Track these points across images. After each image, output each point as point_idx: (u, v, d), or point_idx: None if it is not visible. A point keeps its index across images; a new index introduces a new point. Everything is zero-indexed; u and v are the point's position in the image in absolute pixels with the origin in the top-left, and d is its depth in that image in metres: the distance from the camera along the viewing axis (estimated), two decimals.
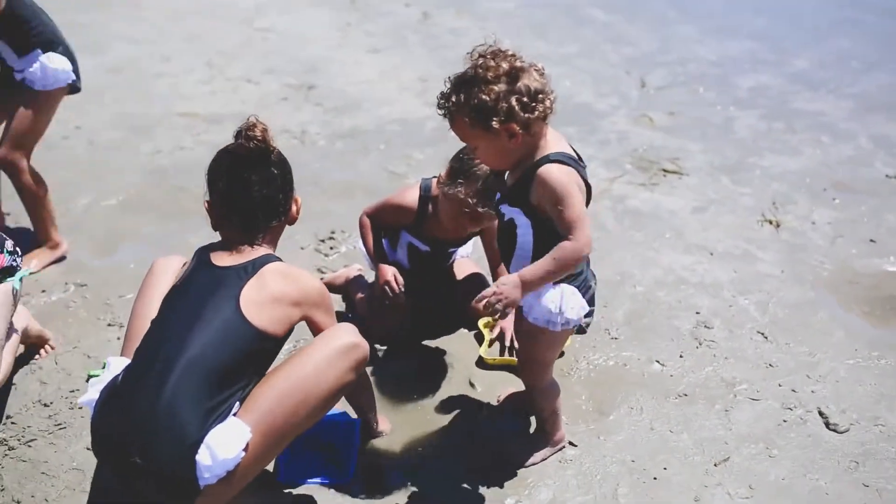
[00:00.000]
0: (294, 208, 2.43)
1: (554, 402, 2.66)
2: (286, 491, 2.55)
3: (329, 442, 2.65)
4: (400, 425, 2.82)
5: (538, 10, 7.48)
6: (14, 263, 2.69)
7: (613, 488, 2.61)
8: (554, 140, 2.32)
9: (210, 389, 2.11)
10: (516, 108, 2.18)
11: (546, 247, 2.25)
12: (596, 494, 2.58)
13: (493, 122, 2.19)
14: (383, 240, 3.26)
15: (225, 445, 2.06)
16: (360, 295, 3.34)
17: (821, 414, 2.93)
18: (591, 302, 2.46)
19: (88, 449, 2.61)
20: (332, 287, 3.46)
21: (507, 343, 3.19)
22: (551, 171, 2.23)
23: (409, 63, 6.13)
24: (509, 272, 2.41)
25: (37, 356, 3.03)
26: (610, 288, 3.56)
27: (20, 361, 2.95)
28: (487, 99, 2.17)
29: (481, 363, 3.13)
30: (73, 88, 3.60)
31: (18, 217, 3.80)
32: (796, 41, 6.87)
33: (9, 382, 2.83)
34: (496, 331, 3.24)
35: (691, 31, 7.07)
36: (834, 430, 2.87)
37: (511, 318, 3.00)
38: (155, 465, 2.06)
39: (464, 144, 2.60)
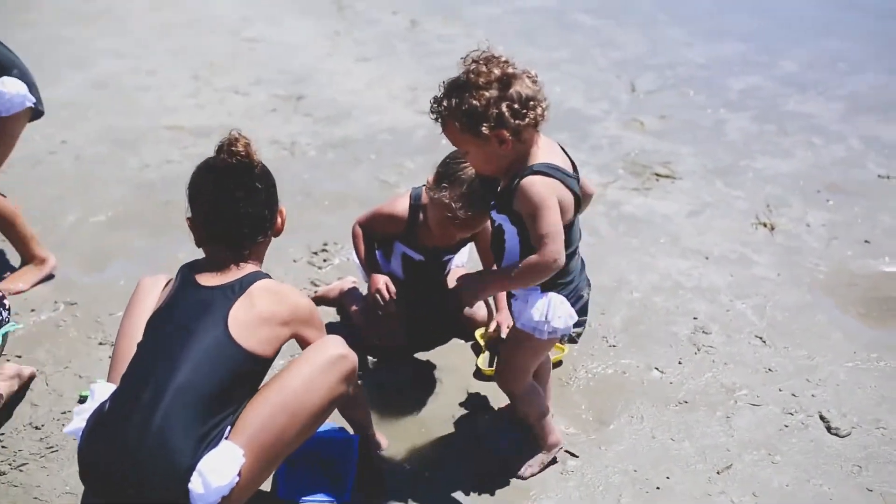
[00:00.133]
0: (279, 220, 2.38)
1: (538, 406, 2.62)
2: None
3: (328, 458, 2.61)
4: (398, 439, 2.78)
5: (526, 16, 7.46)
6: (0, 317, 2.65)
7: (616, 499, 2.57)
8: (545, 149, 2.30)
9: (201, 415, 2.06)
10: (507, 114, 2.17)
11: (531, 253, 2.25)
12: None
13: (483, 128, 2.18)
14: (377, 252, 3.22)
15: (218, 472, 2.02)
16: (354, 307, 3.30)
17: (822, 418, 2.91)
18: (583, 311, 2.43)
19: None
20: (326, 300, 3.43)
21: (504, 336, 3.13)
22: (530, 184, 2.22)
23: (398, 71, 6.10)
24: None
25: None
26: (606, 294, 3.53)
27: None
28: (478, 104, 2.17)
29: (479, 374, 3.09)
30: (36, 113, 3.49)
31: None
32: (784, 43, 6.86)
33: None
34: (501, 326, 3.19)
35: (680, 33, 7.06)
36: (836, 435, 2.84)
37: (507, 313, 2.98)
38: (147, 495, 2.01)
39: (453, 149, 2.60)
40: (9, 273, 3.55)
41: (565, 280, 2.36)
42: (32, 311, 3.38)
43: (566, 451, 2.74)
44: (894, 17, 7.52)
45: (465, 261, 3.35)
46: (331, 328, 3.26)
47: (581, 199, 2.36)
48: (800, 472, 2.69)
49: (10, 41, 3.51)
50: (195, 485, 2.01)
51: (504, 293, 2.98)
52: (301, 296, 2.32)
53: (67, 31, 6.71)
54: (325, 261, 3.75)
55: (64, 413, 2.84)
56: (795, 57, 6.54)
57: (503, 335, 3.12)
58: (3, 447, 2.70)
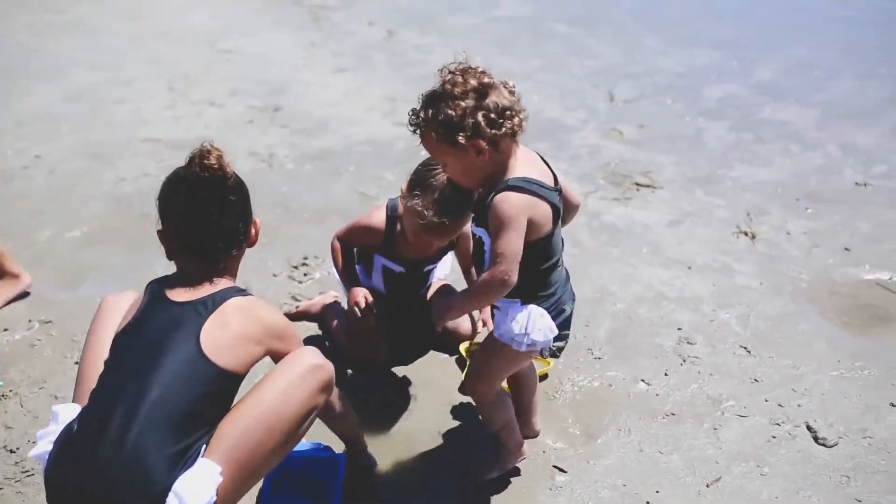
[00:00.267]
0: (254, 232, 2.32)
1: (504, 413, 2.59)
2: None
3: (313, 478, 2.56)
4: (385, 456, 2.73)
5: (501, 26, 7.47)
6: None
7: None
8: (523, 160, 2.28)
9: (175, 434, 1.99)
10: (482, 123, 2.16)
11: None
12: None
13: (460, 138, 2.16)
14: (358, 267, 3.19)
15: (194, 492, 1.95)
16: (336, 322, 3.26)
17: (809, 428, 2.91)
18: (565, 325, 2.41)
19: None
20: (307, 315, 3.38)
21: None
22: (501, 200, 2.20)
23: (376, 82, 6.07)
24: None
25: None
26: (590, 306, 3.51)
27: None
28: (454, 114, 2.16)
29: (464, 389, 3.05)
30: None
31: None
32: (758, 51, 6.92)
33: None
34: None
35: (655, 42, 7.09)
36: (823, 445, 2.84)
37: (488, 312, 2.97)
38: None
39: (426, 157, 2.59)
40: None
41: (546, 292, 2.34)
42: (6, 329, 3.30)
43: (554, 467, 2.72)
44: (865, 25, 7.62)
45: (448, 272, 3.32)
46: (312, 343, 3.22)
47: (560, 211, 2.34)
48: (789, 483, 2.68)
49: None
50: None
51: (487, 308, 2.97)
52: (275, 312, 2.25)
53: (38, 42, 6.62)
54: (305, 275, 3.70)
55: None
56: (769, 65, 6.60)
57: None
58: None
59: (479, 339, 3.22)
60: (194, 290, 2.14)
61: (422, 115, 2.23)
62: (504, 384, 3.04)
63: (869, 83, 6.24)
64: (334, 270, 3.19)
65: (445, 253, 3.18)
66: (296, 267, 3.75)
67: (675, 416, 2.95)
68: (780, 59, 6.71)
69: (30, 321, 3.35)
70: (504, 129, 2.18)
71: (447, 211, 2.69)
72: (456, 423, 2.92)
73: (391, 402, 3.01)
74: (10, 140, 4.92)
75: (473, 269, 2.68)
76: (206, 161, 2.13)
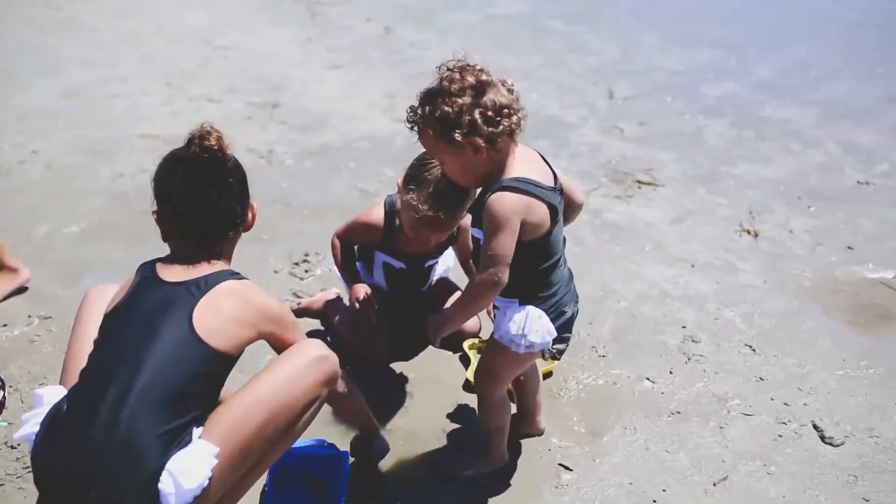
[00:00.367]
0: (250, 216, 2.27)
1: (501, 418, 2.58)
2: None
3: (317, 475, 2.53)
4: (389, 455, 2.71)
5: (499, 23, 7.44)
6: None
7: None
8: (521, 160, 2.26)
9: (167, 414, 1.95)
10: (479, 121, 2.13)
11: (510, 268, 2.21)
12: None
13: (456, 135, 2.14)
14: (358, 264, 3.17)
15: (189, 473, 1.91)
16: (337, 318, 3.24)
17: (815, 427, 2.89)
18: (565, 327, 2.38)
19: None
20: (309, 312, 3.36)
21: None
22: (495, 201, 2.17)
23: (373, 79, 6.04)
24: None
25: None
26: (594, 304, 3.49)
27: None
28: (451, 111, 2.13)
29: (469, 386, 3.03)
30: None
31: None
32: (756, 49, 6.91)
33: None
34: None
35: (653, 39, 7.08)
36: (830, 444, 2.83)
37: None
38: (113, 497, 1.89)
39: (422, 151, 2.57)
40: None
41: (546, 293, 2.32)
42: (5, 325, 3.26)
43: (560, 465, 2.70)
44: (864, 25, 7.62)
45: (451, 266, 3.29)
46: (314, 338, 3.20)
47: (560, 210, 2.31)
48: (796, 482, 2.67)
49: None
50: (165, 485, 1.90)
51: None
52: (268, 296, 2.19)
53: (35, 39, 6.55)
54: (306, 271, 3.67)
55: None
56: (769, 64, 6.59)
57: None
58: None
59: (485, 335, 3.20)
60: (188, 271, 2.10)
61: (419, 111, 2.21)
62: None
63: (868, 83, 6.24)
64: (335, 267, 3.16)
65: (446, 247, 3.16)
66: (297, 263, 3.72)
67: (680, 415, 2.94)
68: (779, 58, 6.70)
69: (29, 317, 3.31)
70: (501, 127, 2.15)
71: (442, 205, 2.68)
72: (459, 421, 2.89)
73: (393, 398, 2.98)
74: (7, 135, 4.87)
75: (472, 263, 2.67)
76: (206, 142, 2.10)
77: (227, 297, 2.07)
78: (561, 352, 2.43)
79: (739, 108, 5.71)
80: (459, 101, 2.13)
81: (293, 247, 3.83)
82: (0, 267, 3.41)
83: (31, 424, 2.05)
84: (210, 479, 1.95)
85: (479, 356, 3.11)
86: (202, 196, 2.13)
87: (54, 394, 2.08)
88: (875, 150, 5.09)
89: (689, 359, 3.21)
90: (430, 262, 3.16)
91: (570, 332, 2.44)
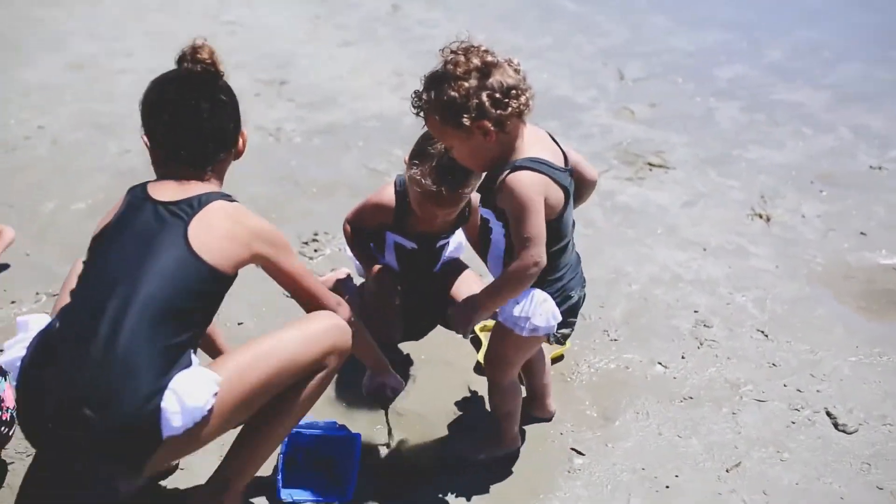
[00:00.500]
0: (241, 141, 2.23)
1: (511, 402, 2.56)
2: None
3: (329, 458, 2.52)
4: (400, 437, 2.70)
5: (508, 2, 7.37)
6: None
7: (626, 499, 2.51)
8: (532, 141, 2.22)
9: (168, 330, 1.92)
10: (487, 104, 2.08)
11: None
12: None
13: (464, 119, 2.09)
14: (370, 245, 3.14)
15: (192, 393, 1.88)
16: (348, 298, 3.21)
17: (828, 414, 2.87)
18: (571, 312, 2.36)
19: None
20: None
21: None
22: (516, 181, 2.13)
23: (382, 57, 5.99)
24: (487, 267, 2.39)
25: None
26: (605, 286, 3.47)
27: None
28: (457, 95, 2.08)
29: (479, 369, 3.01)
30: None
31: None
32: (767, 31, 6.84)
33: None
34: None
35: (663, 21, 7.01)
36: (843, 431, 2.81)
37: None
38: (111, 417, 1.84)
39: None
40: None
41: (553, 277, 2.29)
42: (13, 302, 3.24)
43: (572, 449, 2.68)
44: (876, 7, 7.53)
45: (462, 244, 3.25)
46: None
47: (571, 192, 2.28)
48: (809, 469, 2.65)
49: None
50: (168, 402, 1.86)
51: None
52: (261, 218, 2.15)
53: (39, 11, 6.50)
54: (316, 251, 3.65)
55: None
56: (779, 45, 6.53)
57: None
58: None
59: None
60: (180, 191, 2.06)
61: (424, 96, 2.16)
62: None
63: (881, 66, 6.17)
64: (347, 248, 3.15)
65: (458, 227, 3.13)
66: (306, 243, 3.69)
67: (693, 400, 2.92)
68: (790, 40, 6.64)
69: (37, 294, 3.29)
70: (510, 109, 2.10)
71: (444, 179, 2.66)
72: (470, 403, 2.88)
73: (408, 383, 2.95)
74: (13, 110, 4.83)
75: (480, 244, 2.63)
76: (198, 55, 2.07)
77: (220, 216, 2.03)
78: (566, 336, 2.40)
79: (750, 91, 5.66)
80: (466, 84, 2.07)
81: (302, 226, 3.80)
82: None
83: (16, 349, 2.01)
84: (210, 411, 1.92)
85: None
86: (194, 112, 2.08)
87: (40, 321, 2.04)
88: (888, 135, 5.04)
89: (701, 344, 3.19)
90: (442, 243, 3.13)
91: (576, 317, 2.41)
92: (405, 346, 3.12)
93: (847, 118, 5.26)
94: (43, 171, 4.23)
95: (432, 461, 2.63)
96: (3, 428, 2.35)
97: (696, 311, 3.37)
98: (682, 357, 3.12)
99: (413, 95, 2.20)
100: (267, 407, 2.15)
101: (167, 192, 2.05)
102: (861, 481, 2.62)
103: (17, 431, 2.33)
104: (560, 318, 2.30)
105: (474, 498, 2.49)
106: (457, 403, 2.87)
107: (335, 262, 3.56)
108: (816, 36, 6.73)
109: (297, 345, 2.13)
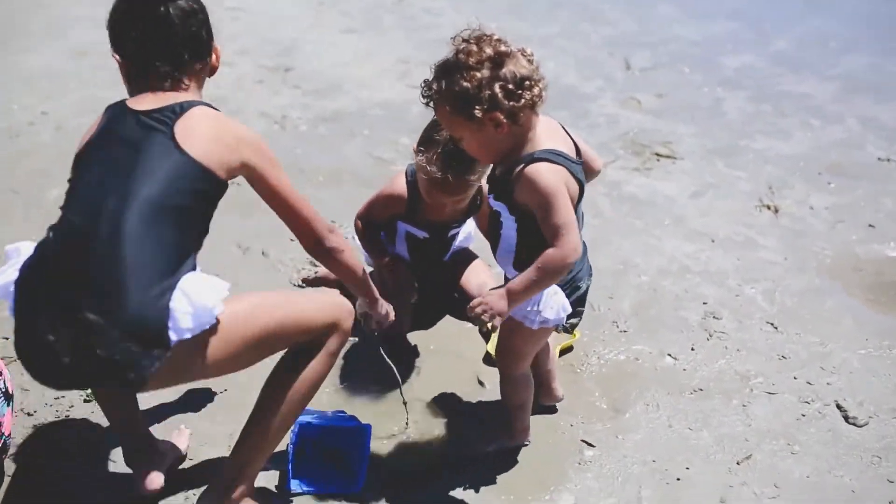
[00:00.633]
0: (214, 56, 2.17)
1: (523, 394, 2.54)
2: (293, 500, 2.40)
3: (338, 448, 2.51)
4: (410, 427, 2.69)
5: None
6: None
7: (637, 491, 2.50)
8: (545, 133, 2.17)
9: (169, 230, 1.88)
10: (500, 95, 2.02)
11: (530, 244, 2.14)
12: (619, 498, 2.48)
13: (476, 111, 2.04)
14: (381, 234, 3.12)
15: (201, 292, 1.85)
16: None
17: (839, 407, 2.86)
18: (579, 302, 2.33)
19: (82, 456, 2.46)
20: (327, 281, 3.31)
21: None
22: (538, 172, 2.08)
23: (387, 44, 5.94)
24: (496, 261, 2.35)
25: None
26: (614, 277, 3.45)
27: None
28: (469, 86, 2.02)
29: (489, 360, 3.00)
30: None
31: None
32: (774, 21, 6.81)
33: None
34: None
35: (669, 10, 6.97)
36: (853, 424, 2.80)
37: None
38: (120, 318, 1.78)
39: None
40: None
41: (566, 277, 2.25)
42: None
43: (583, 441, 2.67)
44: None
45: (470, 231, 3.23)
46: None
47: (584, 186, 2.25)
48: (820, 462, 2.64)
49: None
50: (178, 302, 1.81)
51: (503, 275, 2.89)
52: (246, 126, 2.11)
53: None
54: None
55: (57, 398, 2.70)
56: (785, 36, 6.49)
57: None
58: None
59: None
60: (159, 100, 2.01)
61: (434, 86, 2.10)
62: None
63: (888, 57, 6.13)
64: (355, 237, 3.13)
65: (469, 216, 3.11)
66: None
67: (703, 392, 2.90)
68: (796, 30, 6.60)
69: None
70: (523, 100, 2.04)
71: (449, 166, 2.64)
72: (480, 394, 2.87)
73: (417, 374, 2.94)
74: (16, 96, 4.80)
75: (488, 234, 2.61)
76: None
77: (204, 120, 1.99)
78: (574, 325, 2.39)
79: (757, 81, 5.63)
80: (478, 74, 2.02)
81: None
82: None
83: (8, 272, 1.96)
84: (216, 330, 1.90)
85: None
86: (165, 20, 2.03)
87: (31, 247, 1.99)
88: None
89: (710, 335, 3.18)
90: (453, 232, 3.11)
91: (584, 306, 2.39)
92: (414, 337, 3.10)
93: (855, 109, 5.24)
94: (47, 157, 4.19)
95: (442, 452, 2.62)
96: None
97: (705, 303, 3.36)
98: (692, 349, 3.11)
99: (423, 85, 2.15)
100: (269, 398, 2.15)
101: (146, 102, 2.00)
102: (872, 474, 2.61)
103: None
104: (570, 310, 2.28)
105: (483, 490, 2.48)
106: (466, 394, 2.86)
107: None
108: (823, 26, 6.70)
109: (305, 304, 2.15)
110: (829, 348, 3.15)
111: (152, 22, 2.04)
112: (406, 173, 2.99)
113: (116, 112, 2.03)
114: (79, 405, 2.68)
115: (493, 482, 2.50)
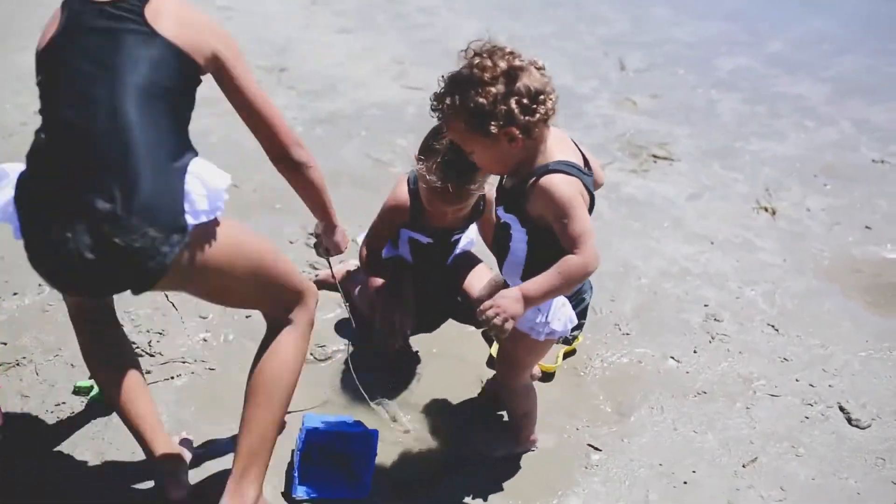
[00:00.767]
0: None
1: (526, 404, 2.54)
2: None
3: (345, 454, 2.49)
4: (416, 432, 2.68)
5: None
6: None
7: (644, 494, 2.50)
8: (556, 145, 2.15)
9: (164, 113, 1.84)
10: (516, 110, 2.00)
11: (540, 257, 2.11)
12: (627, 502, 2.47)
13: (492, 127, 2.01)
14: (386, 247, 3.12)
15: (212, 174, 1.83)
16: (357, 289, 3.19)
17: (841, 409, 2.87)
18: (582, 314, 2.34)
19: (83, 463, 2.44)
20: (327, 284, 3.29)
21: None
22: (554, 184, 2.05)
23: (382, 44, 5.93)
24: (501, 274, 2.33)
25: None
26: (614, 280, 3.45)
27: None
28: (485, 102, 2.00)
29: (493, 363, 2.99)
30: None
31: None
32: (768, 22, 6.85)
33: None
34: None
35: (664, 11, 7.00)
36: (856, 426, 2.81)
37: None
38: (137, 204, 1.75)
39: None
40: None
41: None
42: (15, 294, 3.18)
43: (589, 445, 2.67)
44: None
45: (473, 239, 3.22)
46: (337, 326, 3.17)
47: (594, 198, 2.24)
48: (825, 465, 2.65)
49: None
50: (192, 185, 1.79)
51: (501, 281, 2.87)
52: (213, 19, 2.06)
53: None
54: None
55: (58, 405, 2.67)
56: (779, 37, 6.54)
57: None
58: None
59: None
60: None
61: (447, 101, 2.07)
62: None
63: (881, 59, 6.19)
64: (358, 241, 3.13)
65: (472, 221, 3.10)
66: (312, 234, 3.64)
67: (706, 395, 2.91)
68: (790, 31, 6.65)
69: (40, 285, 3.22)
70: (538, 115, 2.03)
71: (449, 175, 2.61)
72: (487, 402, 2.85)
73: (417, 374, 2.94)
74: (8, 95, 4.76)
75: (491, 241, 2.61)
76: None
77: (172, 4, 1.92)
78: (575, 337, 2.39)
79: (752, 83, 5.65)
80: (493, 90, 2.00)
81: (307, 216, 3.70)
82: None
83: (5, 191, 1.92)
84: (214, 233, 1.89)
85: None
86: None
87: (18, 167, 1.95)
88: (890, 129, 5.06)
89: (712, 338, 3.18)
90: (456, 236, 3.10)
91: (585, 319, 2.39)
92: (417, 340, 3.09)
93: (848, 111, 5.27)
94: None
95: (447, 457, 2.61)
96: None
97: (706, 305, 3.36)
98: (695, 351, 3.11)
99: (433, 98, 2.12)
100: (254, 393, 2.15)
101: None
102: (876, 476, 2.62)
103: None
104: (576, 322, 2.28)
105: (491, 497, 2.47)
106: (470, 399, 2.85)
107: (343, 254, 3.52)
108: (817, 27, 6.75)
109: (278, 260, 2.17)
110: (830, 350, 3.16)
111: None
112: (408, 181, 2.96)
113: (76, 6, 1.92)
114: (79, 411, 2.65)
115: (500, 488, 2.49)
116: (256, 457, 2.16)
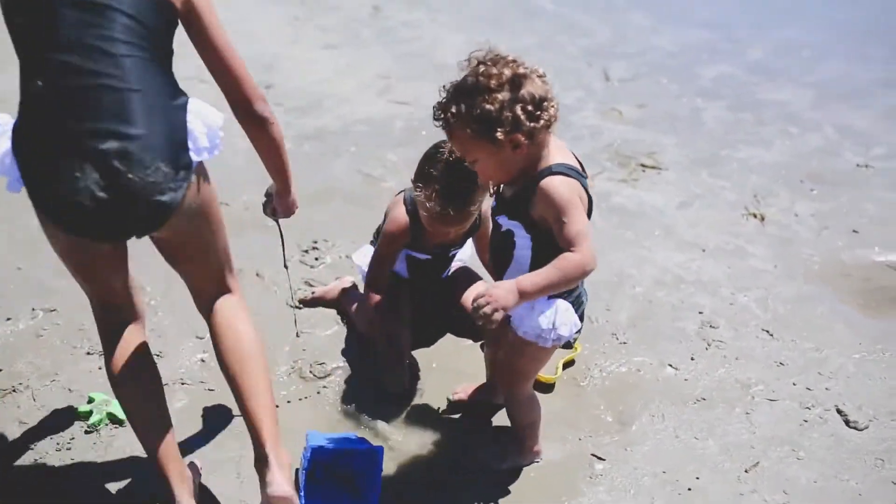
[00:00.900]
0: None
1: (531, 414, 2.55)
2: None
3: (350, 471, 2.49)
4: (420, 447, 2.68)
5: (488, 1, 7.36)
6: None
7: (649, 502, 2.52)
8: (556, 150, 2.19)
9: (156, 59, 1.90)
10: (522, 117, 2.03)
11: (544, 263, 2.11)
12: None
13: (498, 134, 2.04)
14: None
15: (208, 113, 1.92)
16: (354, 306, 3.17)
17: (839, 412, 2.90)
18: (581, 317, 2.35)
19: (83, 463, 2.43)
20: (324, 301, 3.30)
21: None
22: (554, 184, 2.09)
23: (366, 59, 5.94)
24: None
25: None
26: (609, 289, 3.47)
27: None
28: (492, 109, 2.02)
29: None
30: None
31: None
32: (748, 30, 6.93)
33: None
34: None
35: (644, 20, 7.06)
36: (854, 428, 2.84)
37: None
38: (146, 140, 1.80)
39: (433, 140, 2.53)
40: None
41: (574, 286, 2.27)
42: (8, 319, 3.15)
43: (592, 455, 2.68)
44: (855, 4, 7.64)
45: (470, 254, 3.23)
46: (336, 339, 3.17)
47: (592, 205, 2.26)
48: (825, 467, 2.67)
49: None
50: (193, 123, 1.86)
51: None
52: None
53: None
54: (317, 259, 3.60)
55: (58, 432, 2.64)
56: (760, 44, 6.61)
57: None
58: None
59: None
60: None
61: (452, 109, 2.09)
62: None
63: (860, 65, 6.27)
64: (354, 256, 3.14)
65: (469, 236, 3.11)
66: (306, 251, 3.64)
67: (706, 402, 2.93)
68: (770, 38, 6.73)
69: (33, 310, 3.20)
70: (542, 120, 2.06)
71: (450, 200, 2.62)
72: (484, 411, 2.85)
73: (416, 388, 2.93)
74: (3, 105, 4.70)
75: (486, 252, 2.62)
76: None
77: None
78: (575, 340, 2.40)
79: (735, 90, 5.71)
80: (499, 96, 2.02)
81: (300, 234, 3.75)
82: None
83: (1, 141, 1.91)
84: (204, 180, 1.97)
85: None
86: None
87: (7, 118, 1.95)
88: (872, 134, 5.13)
89: (709, 345, 3.21)
90: (454, 252, 3.11)
91: (583, 322, 2.39)
92: (415, 355, 3.09)
93: (831, 117, 5.34)
94: None
95: (451, 470, 2.60)
96: None
97: (700, 312, 3.39)
98: (692, 358, 3.13)
99: (436, 108, 2.14)
100: (241, 361, 2.18)
101: None
102: (876, 477, 2.65)
103: None
104: (580, 326, 2.30)
105: None
106: (471, 412, 2.85)
107: (337, 270, 3.52)
108: (795, 34, 6.82)
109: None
110: (825, 354, 3.19)
111: None
112: (406, 202, 2.92)
113: None
114: (80, 438, 2.63)
115: (507, 499, 2.50)
116: (274, 422, 2.17)
